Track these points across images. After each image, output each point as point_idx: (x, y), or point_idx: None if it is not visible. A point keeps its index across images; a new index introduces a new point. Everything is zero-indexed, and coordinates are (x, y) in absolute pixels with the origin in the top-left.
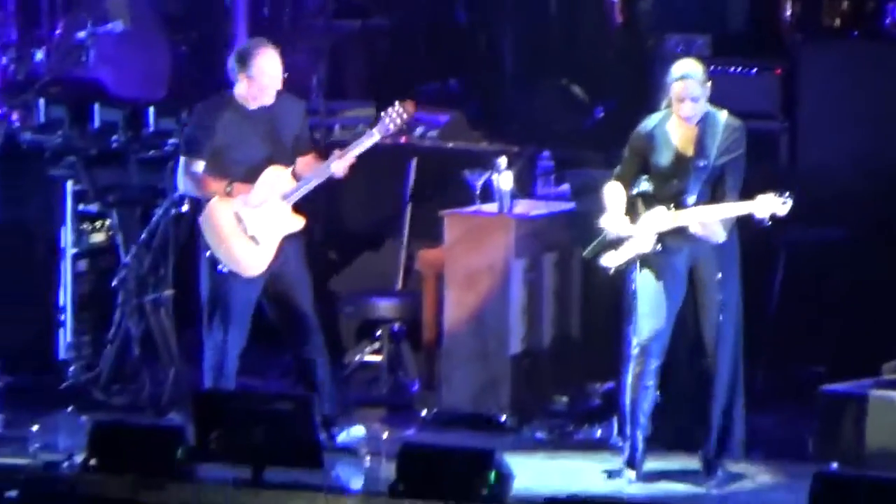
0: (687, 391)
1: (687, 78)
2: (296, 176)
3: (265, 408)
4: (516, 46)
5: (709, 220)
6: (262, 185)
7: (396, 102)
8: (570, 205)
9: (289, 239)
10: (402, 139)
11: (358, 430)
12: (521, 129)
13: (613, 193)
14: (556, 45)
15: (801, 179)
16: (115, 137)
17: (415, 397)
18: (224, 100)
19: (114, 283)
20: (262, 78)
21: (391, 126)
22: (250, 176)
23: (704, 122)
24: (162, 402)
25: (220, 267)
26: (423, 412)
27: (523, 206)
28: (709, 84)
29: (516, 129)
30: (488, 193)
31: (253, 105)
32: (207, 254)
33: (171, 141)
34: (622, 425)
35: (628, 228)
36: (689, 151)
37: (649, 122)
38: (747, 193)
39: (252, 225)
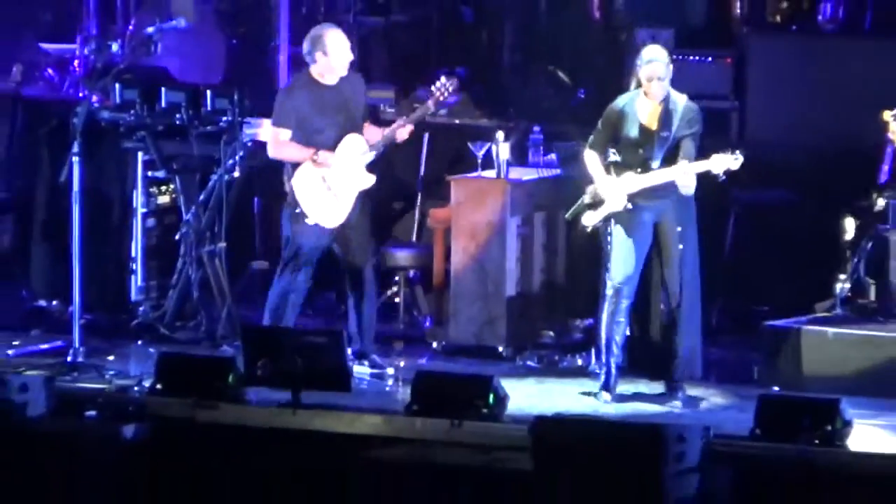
0: (653, 326)
1: (654, 61)
2: (367, 141)
3: (303, 340)
4: (512, 39)
5: (681, 175)
6: (343, 149)
7: (443, 77)
8: (556, 171)
9: (360, 193)
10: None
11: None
12: (516, 108)
13: (592, 160)
14: (544, 38)
15: (748, 150)
16: (178, 115)
17: (427, 332)
18: (304, 78)
19: (177, 237)
20: (333, 53)
21: (440, 97)
22: (330, 141)
23: (667, 102)
24: (217, 336)
25: (307, 220)
26: (434, 344)
27: (518, 173)
28: (671, 67)
29: (512, 108)
30: (489, 161)
31: (328, 81)
32: (297, 210)
33: (225, 118)
34: (599, 355)
35: (605, 191)
36: (654, 125)
37: (620, 100)
38: (704, 157)
39: (335, 184)
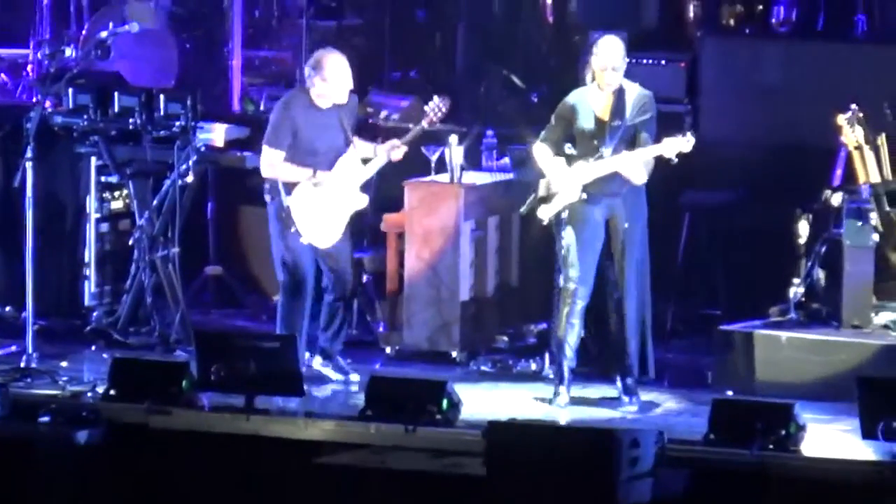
0: (606, 330)
1: (609, 50)
2: (362, 158)
3: (256, 345)
4: (466, 42)
5: (629, 164)
6: (339, 171)
7: (435, 97)
8: (510, 175)
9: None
10: (370, 120)
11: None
12: (470, 112)
13: (542, 153)
14: (498, 41)
15: (701, 151)
16: (131, 119)
17: (381, 337)
18: (303, 98)
19: (130, 241)
20: (332, 80)
21: (434, 117)
22: (325, 163)
23: (619, 92)
24: (170, 341)
25: (301, 239)
26: (388, 349)
27: (471, 177)
28: (625, 59)
29: (466, 112)
30: (442, 165)
31: (326, 103)
32: (293, 229)
33: (179, 122)
34: (553, 359)
35: (558, 182)
36: (606, 116)
37: (573, 95)
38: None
39: (330, 204)
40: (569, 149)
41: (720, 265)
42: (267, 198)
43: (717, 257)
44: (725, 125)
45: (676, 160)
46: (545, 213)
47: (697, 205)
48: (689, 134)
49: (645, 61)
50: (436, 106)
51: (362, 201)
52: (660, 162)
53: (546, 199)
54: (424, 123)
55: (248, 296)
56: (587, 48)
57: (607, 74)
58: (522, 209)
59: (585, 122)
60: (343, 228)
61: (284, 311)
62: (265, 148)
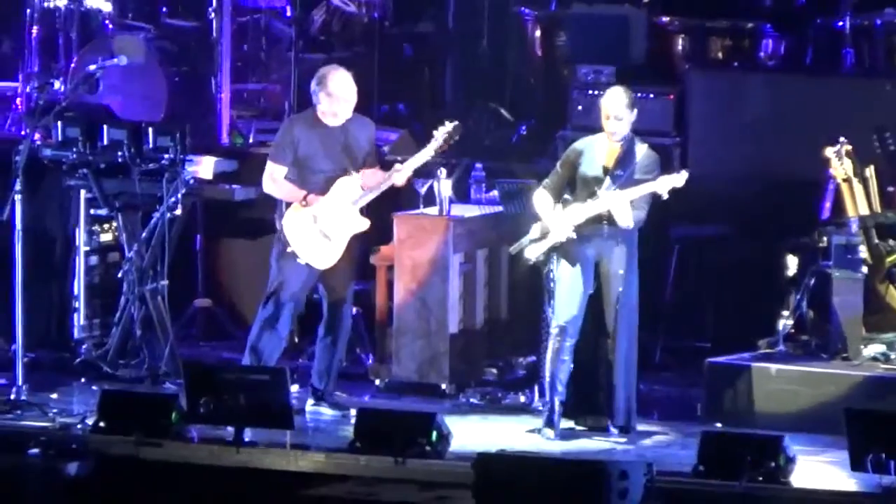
0: (594, 365)
1: (614, 99)
2: (363, 185)
3: (246, 378)
4: (453, 76)
5: (617, 204)
6: (336, 192)
7: (446, 122)
8: (498, 208)
9: (353, 237)
10: None
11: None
12: (458, 145)
13: (541, 198)
14: (486, 75)
15: (690, 185)
16: (120, 153)
17: (370, 369)
18: (308, 117)
19: (119, 274)
20: (338, 93)
21: (442, 143)
22: (327, 183)
23: (627, 144)
24: (159, 374)
25: (297, 259)
26: (377, 381)
27: (460, 210)
28: (634, 111)
29: (454, 145)
30: (431, 198)
31: (332, 122)
32: (288, 249)
33: (167, 155)
34: (542, 392)
35: (551, 223)
36: (611, 164)
37: (582, 141)
38: None
39: (327, 227)
40: (567, 196)
41: (709, 298)
42: (277, 221)
43: (707, 290)
44: (714, 158)
45: (668, 196)
46: (533, 252)
47: (686, 238)
48: (683, 171)
49: (634, 95)
50: (444, 131)
51: (362, 224)
52: (650, 197)
53: (536, 241)
54: (431, 148)
55: (237, 328)
56: (575, 83)
57: (610, 123)
58: (512, 248)
59: (589, 168)
60: (341, 250)
61: (255, 340)
62: (268, 162)
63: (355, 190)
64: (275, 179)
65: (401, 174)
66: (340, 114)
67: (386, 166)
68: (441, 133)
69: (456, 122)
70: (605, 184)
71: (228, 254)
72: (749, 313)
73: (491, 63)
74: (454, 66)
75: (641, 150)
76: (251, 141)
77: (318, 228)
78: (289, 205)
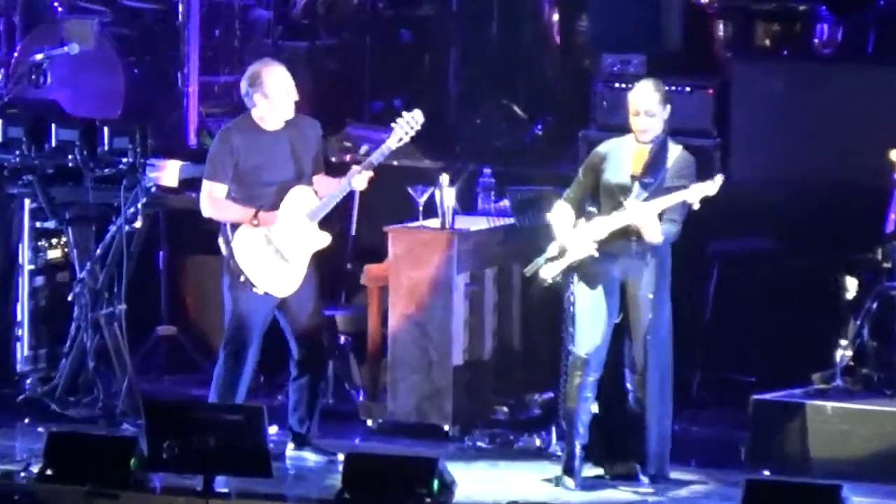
0: (620, 403)
1: (644, 93)
2: (319, 195)
3: (217, 417)
4: (459, 66)
5: (645, 216)
6: (289, 205)
7: (405, 112)
8: (510, 220)
9: (314, 255)
10: (347, 157)
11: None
12: (463, 146)
13: (560, 213)
14: (496, 65)
15: (732, 193)
16: (71, 156)
17: (360, 407)
18: (245, 123)
19: (69, 297)
20: (277, 92)
21: (404, 135)
22: (277, 197)
23: (657, 147)
24: (116, 412)
25: (254, 289)
26: (369, 422)
27: (465, 222)
28: (668, 107)
29: (459, 147)
30: (432, 209)
31: (273, 125)
32: (241, 278)
33: (125, 159)
34: (561, 434)
35: (568, 241)
36: (639, 170)
37: (606, 144)
38: None
39: (284, 247)
40: (590, 207)
41: (754, 324)
42: (222, 247)
43: (751, 315)
44: (760, 162)
45: (699, 205)
46: (549, 272)
47: (727, 254)
48: (717, 176)
49: (666, 88)
50: (406, 122)
51: (323, 240)
52: (684, 208)
53: (553, 259)
54: (392, 142)
55: (206, 360)
56: (598, 75)
57: (640, 120)
58: (527, 269)
59: (614, 175)
60: (303, 272)
61: (219, 380)
62: (204, 183)
63: (310, 201)
64: (215, 200)
65: (361, 177)
66: (282, 115)
67: (334, 171)
68: (402, 123)
69: (416, 110)
70: (633, 193)
71: (196, 273)
72: (801, 342)
73: (501, 51)
74: (459, 55)
75: (675, 152)
76: None
77: (273, 250)
78: (235, 227)
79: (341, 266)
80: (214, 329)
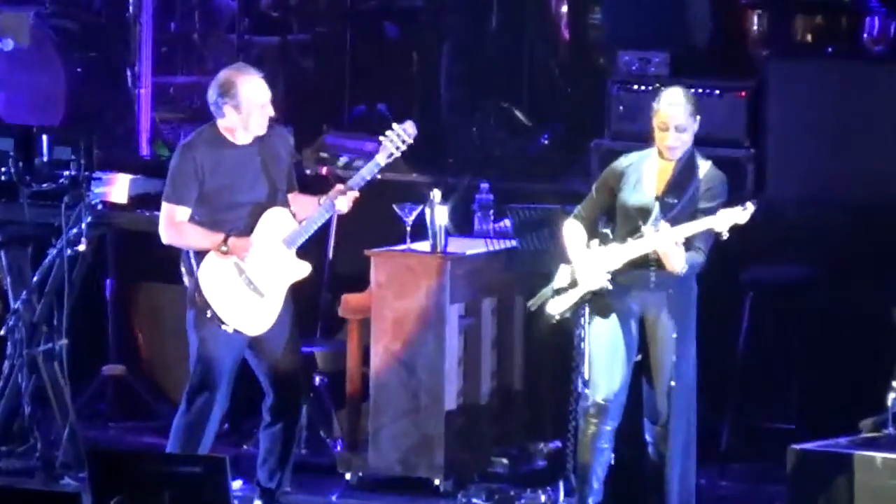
0: (639, 454)
1: (674, 105)
2: (297, 218)
3: (172, 470)
4: (452, 65)
5: (666, 243)
6: (263, 230)
7: (395, 125)
8: (512, 243)
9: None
10: (324, 170)
11: None
12: (458, 158)
13: (572, 233)
14: (496, 64)
15: (768, 213)
16: (4, 168)
17: (338, 458)
18: (210, 136)
19: (1, 332)
20: (250, 108)
21: (395, 150)
22: (249, 220)
23: (684, 163)
24: (55, 464)
25: (223, 327)
26: (348, 475)
27: (459, 245)
28: (697, 120)
29: (452, 158)
30: (421, 230)
31: (243, 138)
32: (208, 314)
33: (67, 172)
34: (569, 490)
35: (580, 263)
36: (661, 190)
37: (626, 158)
38: None
39: (255, 276)
40: (603, 227)
41: (792, 364)
42: (185, 278)
43: (789, 353)
44: (799, 177)
45: (728, 235)
46: (556, 308)
47: (762, 284)
48: (748, 203)
49: (693, 91)
50: (396, 135)
51: (302, 270)
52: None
53: (562, 291)
54: (381, 159)
55: (159, 403)
56: (615, 75)
57: (670, 137)
58: (531, 302)
59: (633, 195)
60: (278, 308)
61: (181, 429)
62: (163, 206)
63: (287, 225)
64: (177, 225)
65: (345, 198)
66: (254, 131)
67: (310, 187)
68: (391, 136)
69: (409, 122)
70: (653, 215)
71: (149, 304)
72: (846, 384)
73: (502, 48)
74: (453, 53)
75: (704, 168)
76: None
77: (244, 282)
78: (201, 255)
79: (316, 296)
80: (169, 368)
